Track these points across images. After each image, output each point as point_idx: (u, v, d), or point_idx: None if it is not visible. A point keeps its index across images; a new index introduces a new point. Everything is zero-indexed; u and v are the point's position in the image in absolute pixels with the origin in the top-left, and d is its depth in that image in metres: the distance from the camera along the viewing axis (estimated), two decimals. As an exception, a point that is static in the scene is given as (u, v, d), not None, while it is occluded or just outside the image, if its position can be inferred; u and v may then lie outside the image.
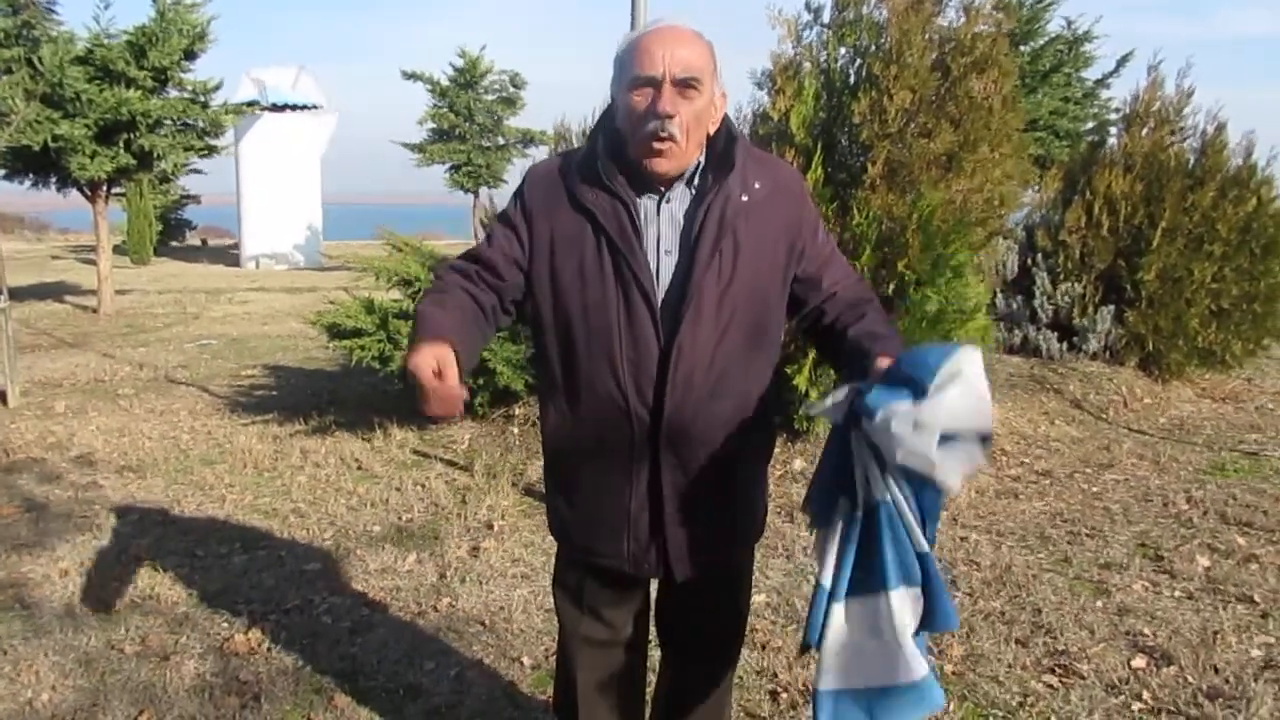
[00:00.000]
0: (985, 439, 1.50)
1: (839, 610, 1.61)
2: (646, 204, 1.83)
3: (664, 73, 1.72)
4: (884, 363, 1.64)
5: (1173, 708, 2.87)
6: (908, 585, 1.58)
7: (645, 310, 1.80)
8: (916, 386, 1.49)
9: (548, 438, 2.00)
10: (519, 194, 1.93)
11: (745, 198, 1.83)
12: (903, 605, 1.58)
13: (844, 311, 1.91)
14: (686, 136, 1.76)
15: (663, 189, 1.83)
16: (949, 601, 1.61)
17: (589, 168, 1.84)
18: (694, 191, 1.84)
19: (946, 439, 1.47)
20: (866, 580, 1.59)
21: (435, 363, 1.67)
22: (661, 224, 1.83)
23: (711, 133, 1.85)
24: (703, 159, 1.85)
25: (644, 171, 1.80)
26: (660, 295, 1.81)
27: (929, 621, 1.61)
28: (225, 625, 3.46)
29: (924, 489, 1.55)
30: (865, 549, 1.60)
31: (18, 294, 12.40)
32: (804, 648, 1.67)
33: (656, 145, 1.74)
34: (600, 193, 1.81)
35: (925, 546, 1.58)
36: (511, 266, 1.89)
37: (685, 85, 1.74)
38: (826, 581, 1.62)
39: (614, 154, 1.83)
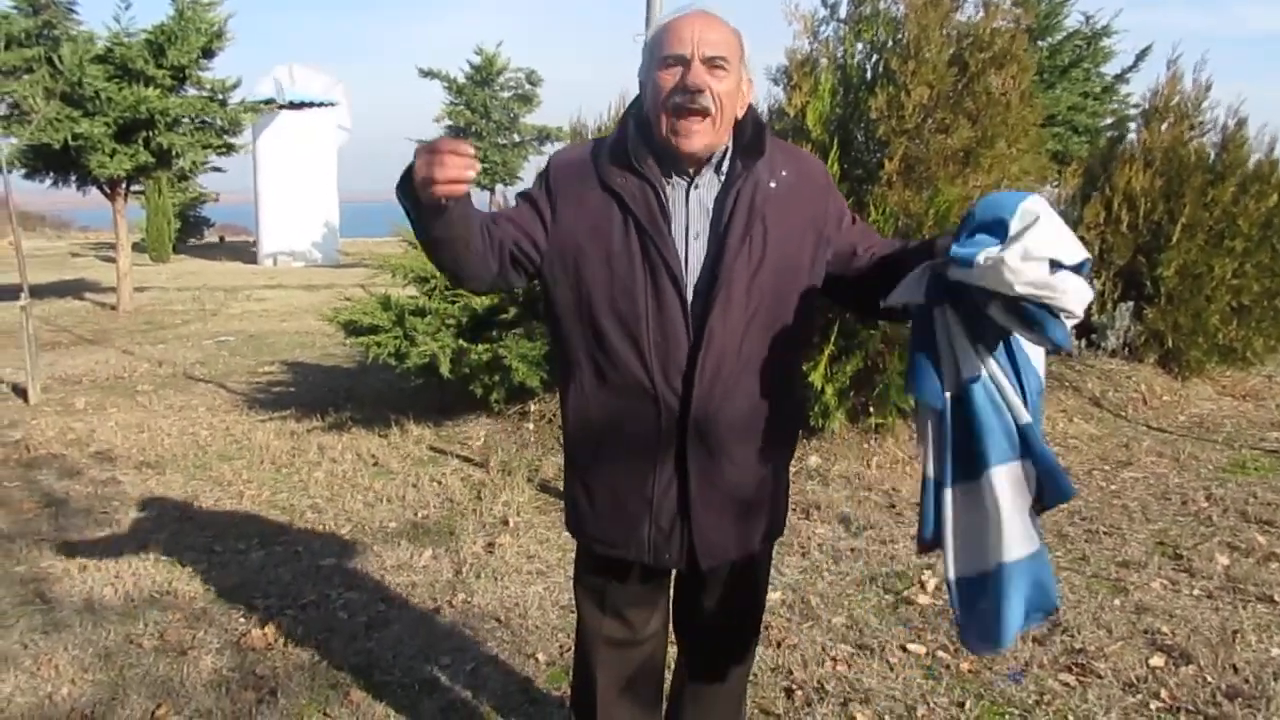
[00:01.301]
0: (1082, 266, 1.46)
1: (949, 496, 1.60)
2: (675, 189, 1.82)
3: (693, 51, 1.73)
4: (947, 240, 1.59)
5: (1191, 707, 2.85)
6: (1009, 461, 1.55)
7: (674, 295, 1.79)
8: (999, 226, 1.46)
9: (569, 426, 1.97)
10: (544, 175, 1.91)
11: (774, 184, 1.82)
12: (1004, 482, 1.55)
13: (886, 252, 1.87)
14: (718, 112, 1.75)
15: (691, 173, 1.82)
16: (1061, 472, 1.56)
17: (619, 151, 1.83)
18: (722, 177, 1.84)
19: (1055, 267, 1.44)
20: (967, 464, 1.57)
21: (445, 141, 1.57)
22: (690, 209, 1.82)
23: (740, 116, 1.84)
24: (730, 145, 1.84)
25: (673, 150, 1.78)
26: (689, 281, 1.81)
27: (1043, 495, 1.58)
28: (242, 620, 3.48)
29: (1047, 330, 1.47)
30: (961, 431, 1.57)
31: (39, 291, 12.50)
32: (922, 544, 1.66)
33: (686, 121, 1.74)
34: (629, 176, 1.81)
35: (1027, 417, 1.55)
36: (525, 235, 1.85)
37: (714, 64, 1.74)
38: (931, 471, 1.62)
39: (644, 139, 1.82)
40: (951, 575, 1.62)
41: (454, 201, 1.61)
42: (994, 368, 1.55)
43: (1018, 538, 1.57)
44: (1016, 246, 1.42)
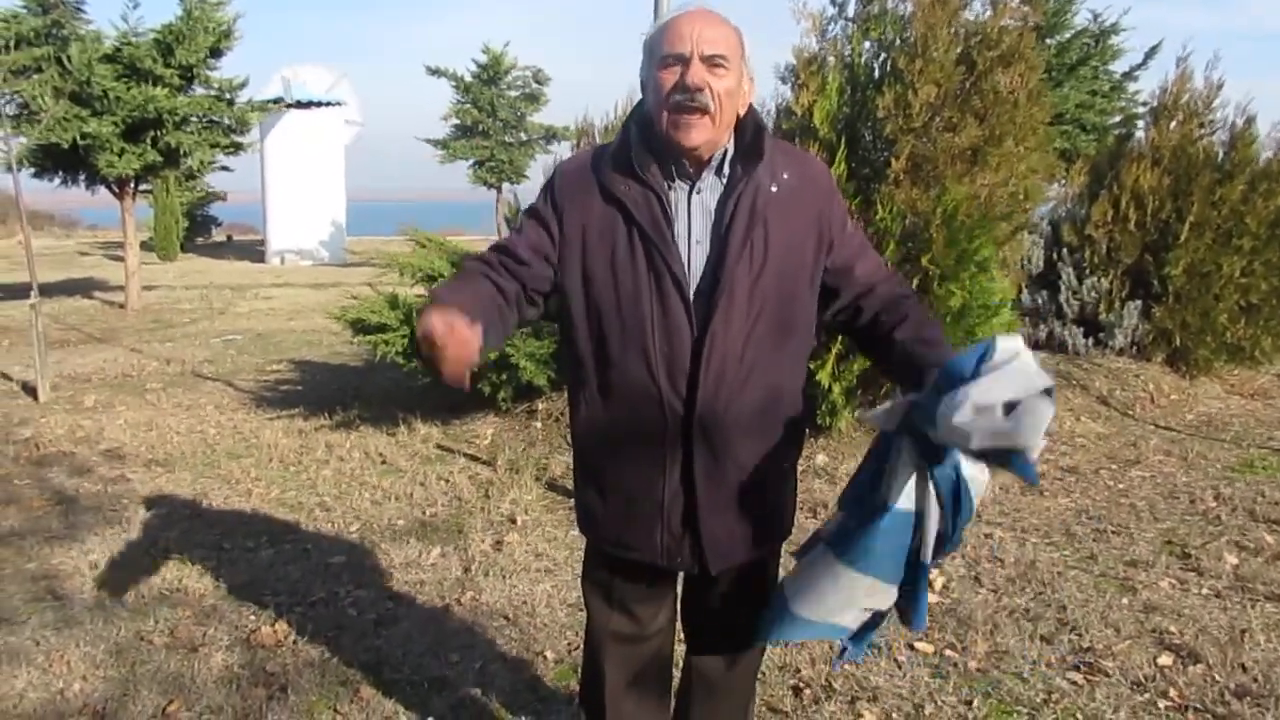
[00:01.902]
0: (1048, 391, 1.50)
1: (820, 549, 1.78)
2: (677, 194, 1.83)
3: (692, 50, 1.74)
4: (934, 374, 1.65)
5: (1199, 705, 2.85)
6: (881, 580, 1.70)
7: (678, 300, 1.80)
8: (963, 379, 1.52)
9: (578, 431, 1.99)
10: (549, 188, 1.93)
11: (775, 188, 1.83)
12: (854, 586, 1.71)
13: (883, 310, 1.91)
14: (717, 110, 1.76)
15: (693, 176, 1.83)
16: (924, 607, 1.74)
17: (621, 157, 1.84)
18: (724, 182, 1.84)
19: (1011, 407, 1.49)
20: (847, 549, 1.71)
21: (443, 322, 1.59)
22: (692, 214, 1.83)
23: (741, 114, 1.85)
24: (731, 147, 1.85)
25: (675, 146, 1.79)
26: (692, 285, 1.81)
27: (905, 616, 1.76)
28: (252, 617, 3.49)
29: (1006, 465, 1.56)
30: (861, 530, 1.69)
31: (47, 290, 12.56)
32: (798, 553, 1.85)
33: (685, 117, 1.75)
34: (632, 183, 1.82)
35: (928, 557, 1.67)
36: (537, 257, 1.88)
37: (713, 63, 1.75)
38: (825, 529, 1.80)
39: (646, 144, 1.83)
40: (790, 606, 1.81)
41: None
42: (930, 503, 1.63)
43: (835, 615, 1.76)
44: (966, 404, 1.49)
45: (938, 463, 1.59)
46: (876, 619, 1.79)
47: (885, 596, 1.73)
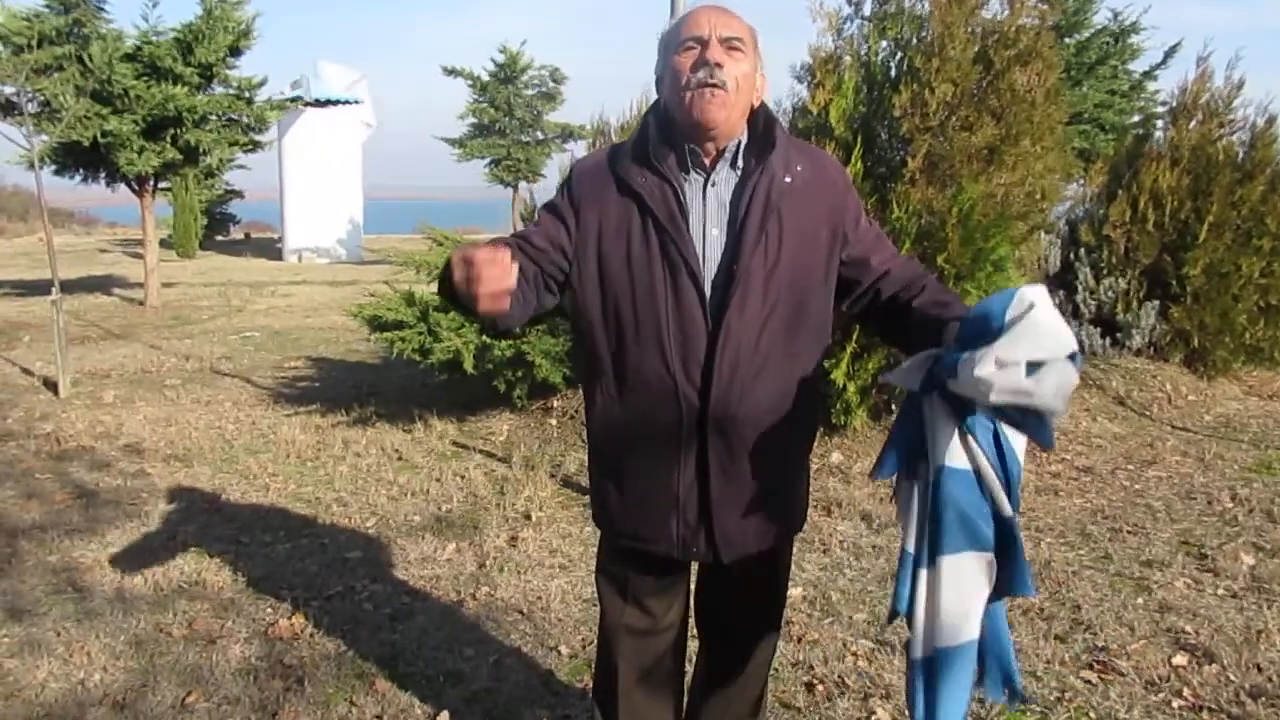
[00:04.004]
0: (1074, 356, 1.47)
1: (924, 576, 1.62)
2: (693, 186, 1.85)
3: (710, 33, 1.78)
4: (955, 327, 1.63)
5: (1214, 705, 2.84)
6: (972, 550, 1.59)
7: (693, 292, 1.81)
8: (989, 333, 1.48)
9: (594, 424, 2.01)
10: (566, 184, 1.96)
11: (789, 179, 1.85)
12: (957, 571, 1.59)
13: (901, 289, 1.92)
14: (736, 90, 1.78)
15: (708, 168, 1.85)
16: (1026, 568, 1.60)
17: (639, 149, 1.87)
18: (738, 173, 1.86)
19: (1034, 367, 1.45)
20: (932, 548, 1.61)
21: (483, 249, 1.60)
22: (708, 205, 1.85)
23: (755, 106, 1.87)
24: (744, 139, 1.87)
25: (694, 126, 1.80)
26: (707, 277, 1.83)
27: (1005, 586, 1.61)
28: (270, 610, 3.53)
29: (1030, 431, 1.52)
30: (933, 515, 1.60)
31: (67, 287, 12.66)
32: (892, 615, 1.69)
33: (706, 92, 1.77)
34: (648, 174, 1.84)
35: (1009, 510, 1.58)
36: (554, 248, 1.90)
37: (730, 45, 1.79)
38: (911, 547, 1.64)
39: (664, 136, 1.86)
40: (917, 655, 1.65)
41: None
42: (980, 458, 1.58)
43: (958, 626, 1.61)
44: (988, 354, 1.45)
45: (972, 414, 1.55)
46: (995, 614, 1.67)
47: (987, 573, 1.61)
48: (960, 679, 1.62)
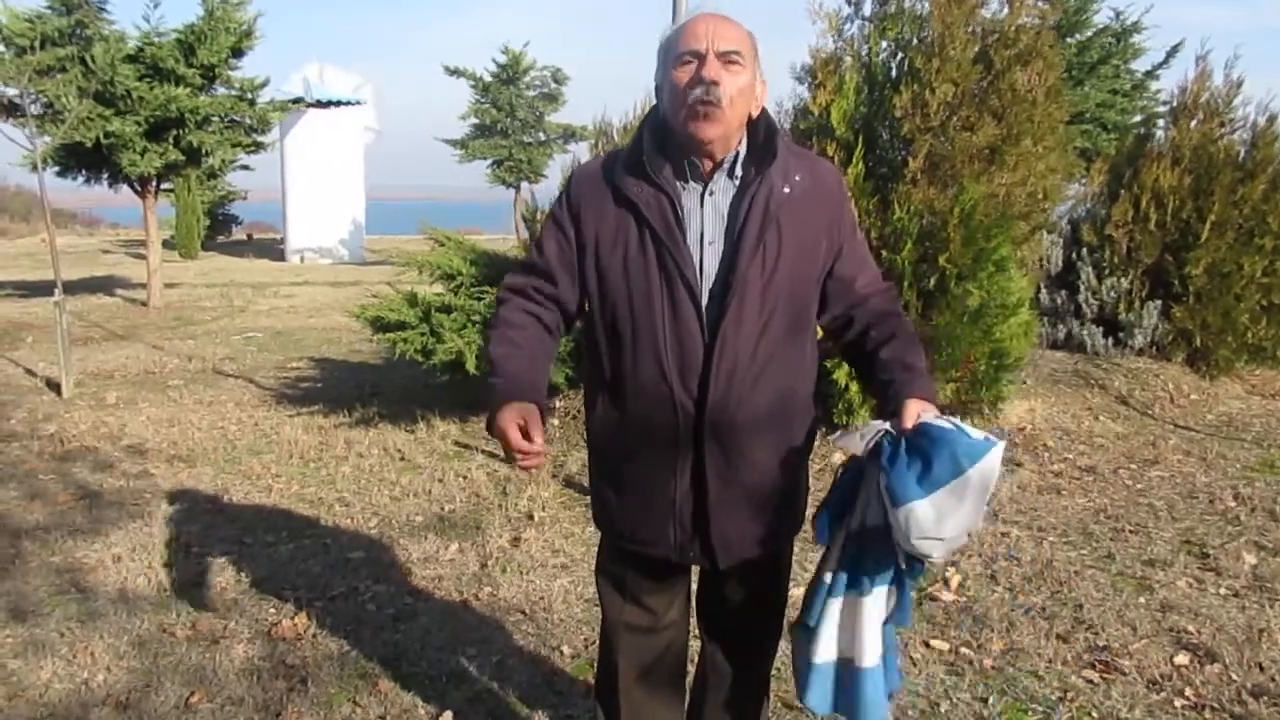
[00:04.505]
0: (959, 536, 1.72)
1: (834, 603, 1.87)
2: (690, 196, 1.86)
3: (708, 46, 1.77)
4: (913, 409, 1.73)
5: (1216, 704, 2.84)
6: (885, 585, 1.85)
7: (689, 302, 1.82)
8: (934, 478, 1.64)
9: (594, 429, 2.03)
10: (565, 194, 1.97)
11: (787, 189, 1.85)
12: (875, 603, 1.85)
13: (872, 324, 1.94)
14: (731, 106, 1.78)
15: (705, 178, 1.85)
16: (909, 602, 1.91)
17: (635, 160, 1.87)
18: (736, 183, 1.86)
19: (944, 517, 1.66)
20: (856, 583, 1.84)
21: (522, 420, 1.79)
22: (705, 215, 1.85)
23: (754, 115, 1.87)
24: (743, 149, 1.87)
25: (690, 141, 1.81)
26: (704, 286, 1.84)
27: (895, 615, 1.88)
28: (273, 611, 3.54)
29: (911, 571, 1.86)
30: (857, 559, 1.83)
31: (70, 287, 12.69)
32: (803, 626, 1.93)
33: (702, 109, 1.77)
34: (644, 185, 1.84)
35: (904, 565, 1.82)
36: (565, 271, 1.94)
37: (728, 59, 1.78)
38: (827, 579, 1.88)
39: (660, 146, 1.86)
40: (815, 659, 1.90)
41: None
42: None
43: (869, 647, 1.87)
44: (927, 521, 1.65)
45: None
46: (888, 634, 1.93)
47: (889, 601, 1.88)
48: (872, 699, 1.89)
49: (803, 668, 1.93)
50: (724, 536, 1.94)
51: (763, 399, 1.87)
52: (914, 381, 1.81)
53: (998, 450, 1.63)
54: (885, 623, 1.87)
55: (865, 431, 1.75)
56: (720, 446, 1.88)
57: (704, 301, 1.84)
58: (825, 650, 1.88)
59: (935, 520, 1.64)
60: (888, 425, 1.74)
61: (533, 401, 1.82)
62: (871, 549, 1.80)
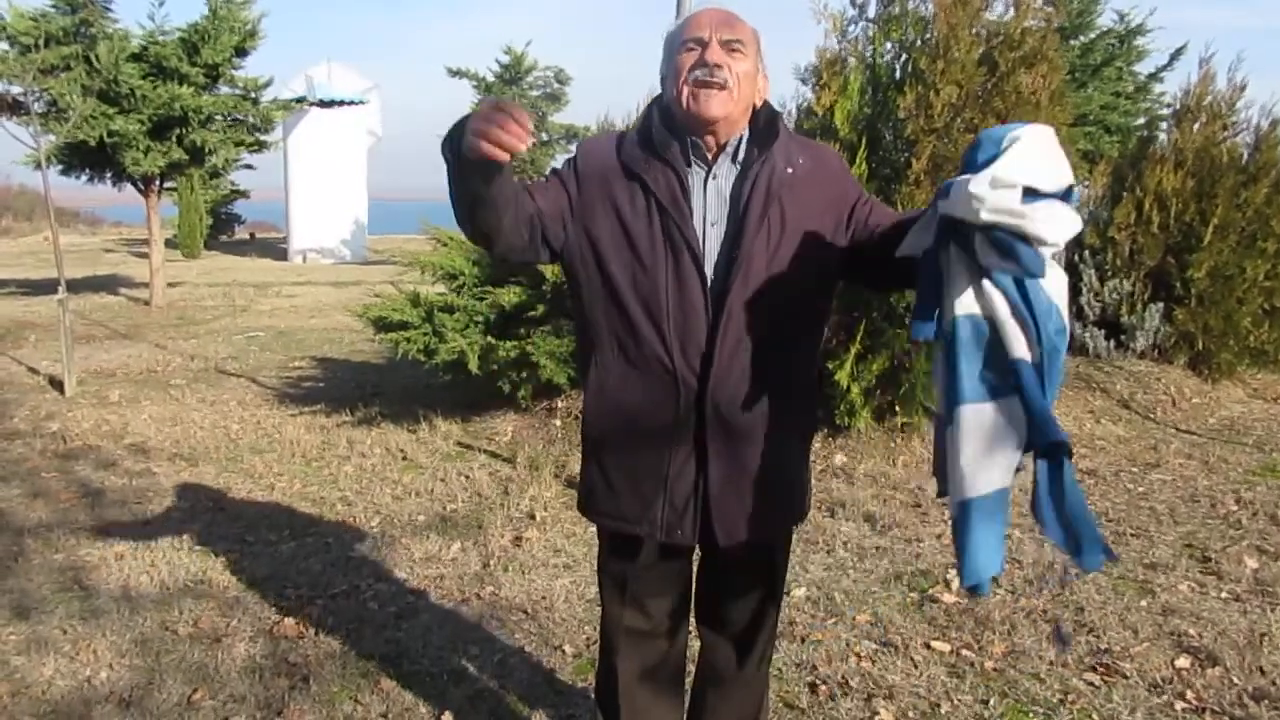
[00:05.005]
0: (1069, 192, 1.45)
1: (948, 433, 1.58)
2: (694, 177, 1.87)
3: (711, 34, 1.80)
4: None
5: (1217, 708, 2.84)
6: (990, 400, 1.53)
7: (695, 275, 1.83)
8: (988, 159, 1.44)
9: (589, 404, 2.01)
10: (572, 160, 1.96)
11: (790, 170, 1.86)
12: (976, 421, 1.53)
13: (898, 221, 1.83)
14: (736, 87, 1.80)
15: (709, 162, 1.86)
16: (1049, 415, 1.49)
17: (643, 138, 1.88)
18: (739, 167, 1.88)
19: (1031, 195, 1.42)
20: (950, 399, 1.56)
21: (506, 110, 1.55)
22: (709, 198, 1.86)
23: (757, 105, 1.89)
24: (746, 134, 1.88)
25: (694, 120, 1.82)
26: (709, 265, 1.84)
27: (1035, 436, 1.50)
28: (275, 609, 3.54)
29: (1020, 259, 1.45)
30: (949, 367, 1.56)
31: (73, 286, 12.70)
32: (939, 487, 1.65)
33: (704, 90, 1.78)
34: (652, 160, 1.85)
35: (1018, 352, 1.50)
36: (555, 208, 1.88)
37: (731, 46, 1.80)
38: (941, 408, 1.61)
39: (667, 127, 1.87)
40: (954, 511, 1.59)
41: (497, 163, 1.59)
42: (996, 301, 1.51)
43: (981, 476, 1.54)
44: (985, 173, 1.42)
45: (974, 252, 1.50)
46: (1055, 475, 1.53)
47: (1012, 426, 1.52)
48: (992, 526, 1.55)
49: (953, 533, 1.59)
50: (723, 515, 1.92)
51: (765, 377, 1.87)
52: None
53: (1032, 125, 1.45)
54: (1025, 447, 1.53)
55: (921, 223, 1.62)
56: (722, 422, 1.88)
57: (709, 276, 1.84)
58: (984, 480, 1.54)
59: (997, 166, 1.41)
60: (936, 203, 1.56)
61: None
62: (968, 346, 1.53)
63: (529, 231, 1.85)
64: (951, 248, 1.55)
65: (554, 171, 1.97)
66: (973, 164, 1.48)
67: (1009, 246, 1.45)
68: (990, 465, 1.54)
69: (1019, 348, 1.50)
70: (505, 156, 1.56)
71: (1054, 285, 1.53)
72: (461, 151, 1.60)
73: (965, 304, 1.54)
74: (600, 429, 2.00)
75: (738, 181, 1.86)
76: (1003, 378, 1.52)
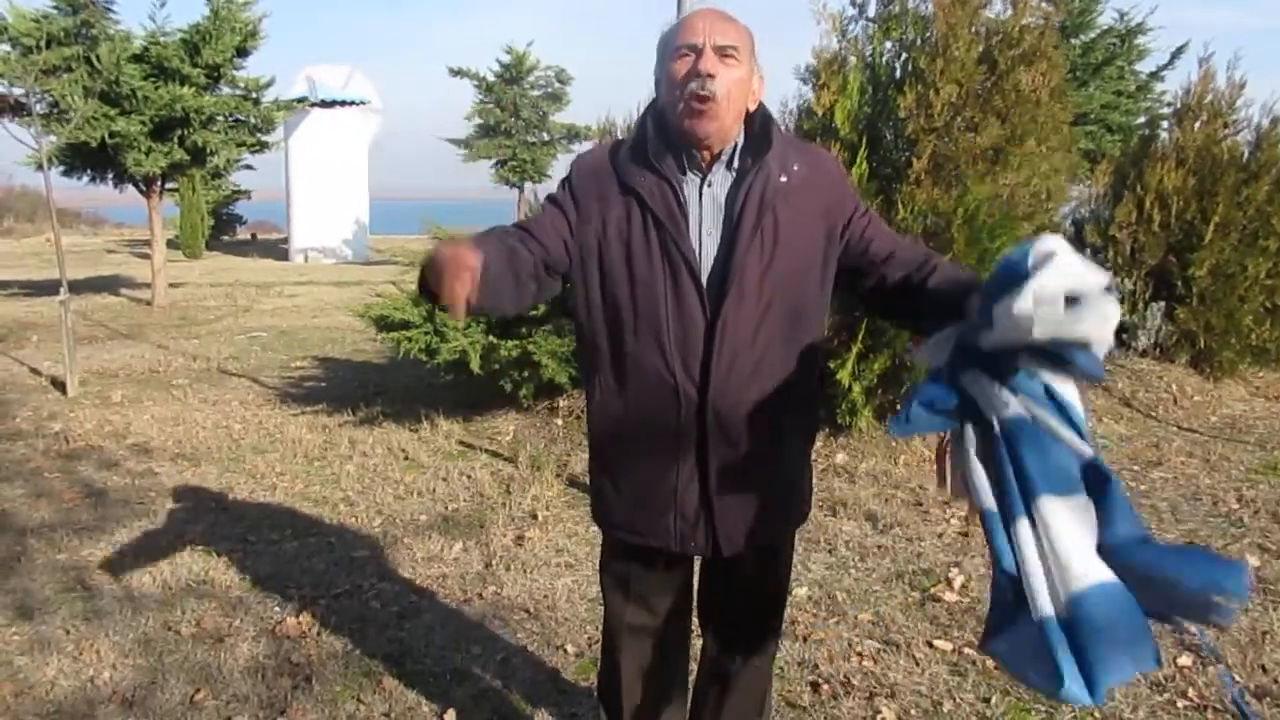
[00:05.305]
0: (1108, 288, 1.44)
1: (1023, 525, 1.46)
2: (689, 186, 1.87)
3: (704, 40, 1.79)
4: (975, 301, 1.59)
5: (1219, 706, 2.84)
6: (1062, 494, 1.45)
7: (692, 286, 1.83)
8: (1018, 279, 1.44)
9: (594, 419, 2.02)
10: (567, 180, 1.98)
11: (784, 178, 1.86)
12: (1054, 514, 1.44)
13: (912, 270, 1.87)
14: (728, 99, 1.80)
15: (704, 170, 1.87)
16: (1129, 510, 1.43)
17: (638, 150, 1.88)
18: (734, 174, 1.88)
19: (1071, 303, 1.41)
20: (1025, 492, 1.47)
21: (448, 246, 1.60)
22: (704, 206, 1.87)
23: (751, 109, 1.88)
24: (741, 140, 1.88)
25: (688, 134, 1.82)
26: (704, 275, 1.85)
27: (1108, 531, 1.44)
28: (277, 609, 3.55)
29: (1078, 365, 1.44)
30: (1014, 464, 1.49)
31: (75, 287, 12.69)
32: (1003, 579, 1.49)
33: (697, 105, 1.78)
34: (647, 174, 1.86)
35: (1088, 452, 1.46)
36: (556, 238, 1.90)
37: (725, 53, 1.80)
38: (991, 504, 1.51)
39: (661, 136, 1.87)
40: (1048, 612, 1.43)
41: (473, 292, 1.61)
42: (1035, 409, 1.49)
43: (1085, 563, 1.43)
44: (1027, 293, 1.42)
45: (1013, 373, 1.49)
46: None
47: (1085, 518, 1.45)
48: (1113, 623, 1.38)
49: (1044, 648, 1.40)
50: (727, 524, 1.94)
51: (764, 385, 1.88)
52: (970, 285, 1.71)
53: (1045, 235, 1.46)
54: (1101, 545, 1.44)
55: (939, 337, 1.61)
56: (723, 432, 1.88)
57: (705, 289, 1.84)
58: (1052, 598, 1.42)
59: (1036, 283, 1.40)
60: (959, 324, 1.59)
61: (471, 245, 1.66)
62: (1032, 443, 1.47)
63: (537, 285, 1.87)
64: (974, 370, 1.55)
65: (550, 199, 1.98)
66: (1001, 289, 1.48)
67: (1066, 357, 1.45)
68: (1085, 553, 1.44)
69: (1080, 444, 1.48)
70: (461, 310, 1.59)
71: (1072, 391, 1.53)
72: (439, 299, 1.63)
73: (1009, 408, 1.51)
74: (607, 444, 2.02)
75: (732, 189, 1.87)
76: (1065, 472, 1.48)
